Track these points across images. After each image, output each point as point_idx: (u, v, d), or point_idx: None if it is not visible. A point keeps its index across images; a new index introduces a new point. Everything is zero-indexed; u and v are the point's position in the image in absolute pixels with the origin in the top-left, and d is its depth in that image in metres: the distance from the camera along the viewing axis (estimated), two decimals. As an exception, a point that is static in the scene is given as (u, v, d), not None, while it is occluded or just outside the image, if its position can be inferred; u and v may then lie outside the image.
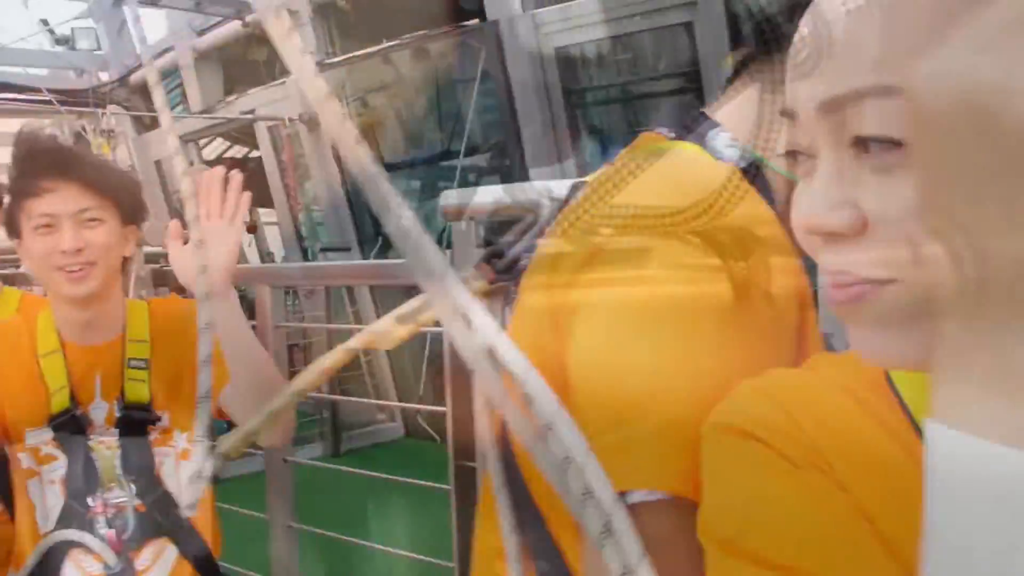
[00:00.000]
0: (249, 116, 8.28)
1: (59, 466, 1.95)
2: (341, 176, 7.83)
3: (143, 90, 10.75)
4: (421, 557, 2.66)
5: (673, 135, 1.18)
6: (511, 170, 6.82)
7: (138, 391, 1.99)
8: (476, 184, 7.96)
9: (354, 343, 1.17)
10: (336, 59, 7.73)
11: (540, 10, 6.31)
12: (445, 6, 8.20)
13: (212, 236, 1.65)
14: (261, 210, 9.22)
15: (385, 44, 7.14)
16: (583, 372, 0.92)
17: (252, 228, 9.02)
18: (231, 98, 8.86)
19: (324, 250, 7.64)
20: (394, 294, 7.93)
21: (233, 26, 8.90)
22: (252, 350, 1.81)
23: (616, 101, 6.77)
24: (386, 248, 8.08)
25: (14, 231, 1.98)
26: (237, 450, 1.05)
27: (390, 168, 8.16)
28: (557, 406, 0.70)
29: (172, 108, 10.37)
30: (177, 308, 2.15)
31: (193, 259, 1.61)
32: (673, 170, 1.03)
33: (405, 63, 7.59)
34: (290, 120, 7.77)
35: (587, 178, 1.22)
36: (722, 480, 0.75)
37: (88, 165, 1.96)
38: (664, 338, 0.90)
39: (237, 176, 1.83)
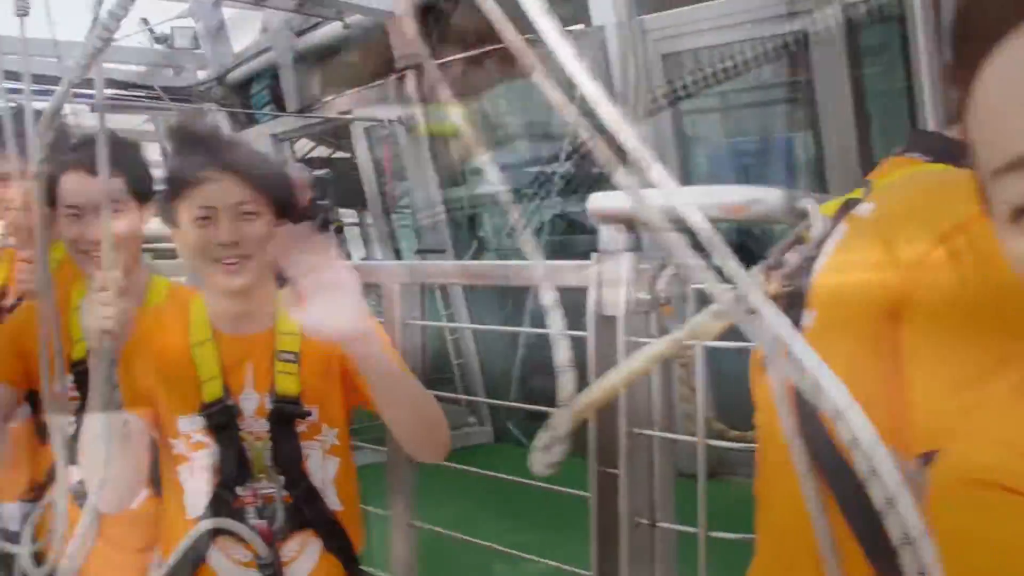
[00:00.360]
0: (348, 116, 8.34)
1: (210, 454, 1.97)
2: (438, 178, 7.84)
3: (239, 88, 10.92)
4: (557, 564, 2.63)
5: (929, 158, 1.16)
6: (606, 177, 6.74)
7: (288, 384, 2.00)
8: (570, 191, 7.91)
9: (679, 335, 1.16)
10: (436, 62, 7.74)
11: (647, 16, 6.24)
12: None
13: (327, 288, 1.63)
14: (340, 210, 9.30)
15: (483, 48, 7.11)
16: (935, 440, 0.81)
17: (340, 229, 9.08)
18: (328, 98, 8.93)
19: (420, 252, 7.65)
20: (488, 297, 7.96)
21: (332, 27, 8.98)
22: (408, 389, 1.87)
23: (722, 110, 6.68)
24: (480, 251, 8.08)
25: (171, 220, 1.99)
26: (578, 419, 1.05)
27: (474, 173, 8.15)
28: (884, 449, 0.66)
29: (260, 108, 10.62)
30: None
31: (314, 315, 1.61)
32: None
33: (504, 66, 7.57)
34: (389, 122, 7.79)
35: (854, 195, 1.19)
36: (972, 536, 0.69)
37: (246, 157, 1.98)
38: None
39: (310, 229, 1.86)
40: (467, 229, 8.06)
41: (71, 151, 2.32)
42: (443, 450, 2.01)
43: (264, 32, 10.99)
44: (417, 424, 1.94)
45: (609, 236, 2.50)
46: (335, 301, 1.62)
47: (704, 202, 2.21)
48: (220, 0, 10.18)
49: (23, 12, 2.25)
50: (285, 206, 2.03)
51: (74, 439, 2.28)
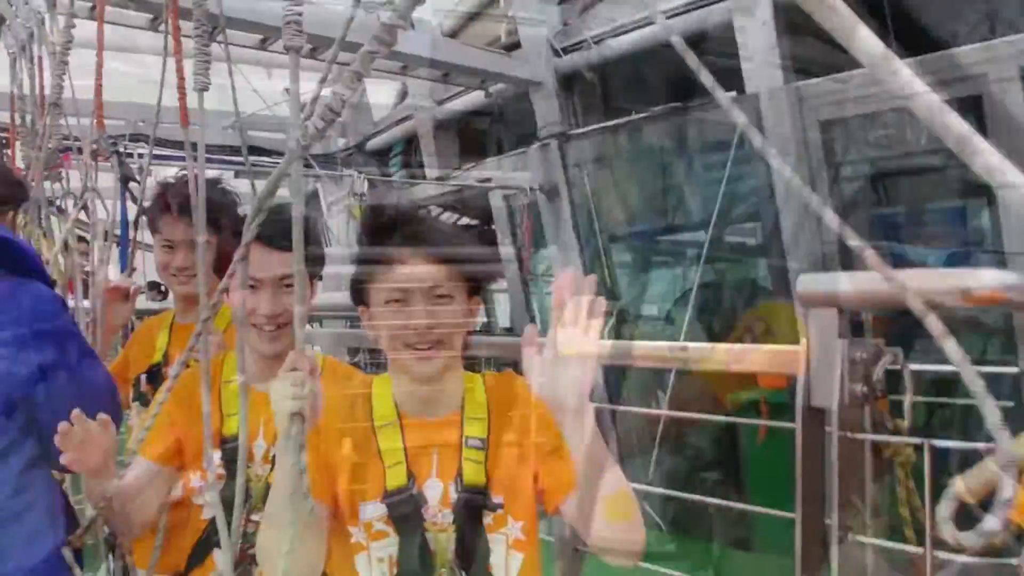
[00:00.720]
0: (487, 184, 8.34)
1: (390, 544, 1.84)
2: (579, 247, 7.73)
3: (378, 156, 11.10)
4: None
5: None
6: (766, 249, 6.53)
7: (475, 472, 1.86)
8: (722, 259, 7.70)
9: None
10: (579, 130, 7.68)
11: (804, 82, 6.04)
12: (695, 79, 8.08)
13: (571, 346, 1.52)
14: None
15: (634, 116, 7.01)
16: None
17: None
18: (468, 166, 8.96)
19: (560, 321, 7.50)
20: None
21: (472, 96, 9.05)
22: (605, 467, 1.71)
23: (884, 177, 6.40)
24: (621, 321, 7.91)
25: (361, 300, 1.90)
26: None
27: (613, 240, 8.03)
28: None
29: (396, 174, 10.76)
30: (514, 385, 2.03)
31: (551, 370, 1.48)
32: None
33: (649, 135, 7.47)
34: (531, 189, 7.74)
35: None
36: None
37: (442, 237, 1.87)
38: None
39: (591, 280, 1.69)
40: (608, 298, 7.89)
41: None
42: (638, 552, 1.83)
43: (402, 100, 11.19)
44: (613, 520, 1.80)
45: (820, 321, 2.31)
46: (576, 365, 1.52)
47: (945, 286, 2.01)
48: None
49: (203, 87, 2.23)
50: (481, 282, 1.93)
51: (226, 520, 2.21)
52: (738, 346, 2.65)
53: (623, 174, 7.84)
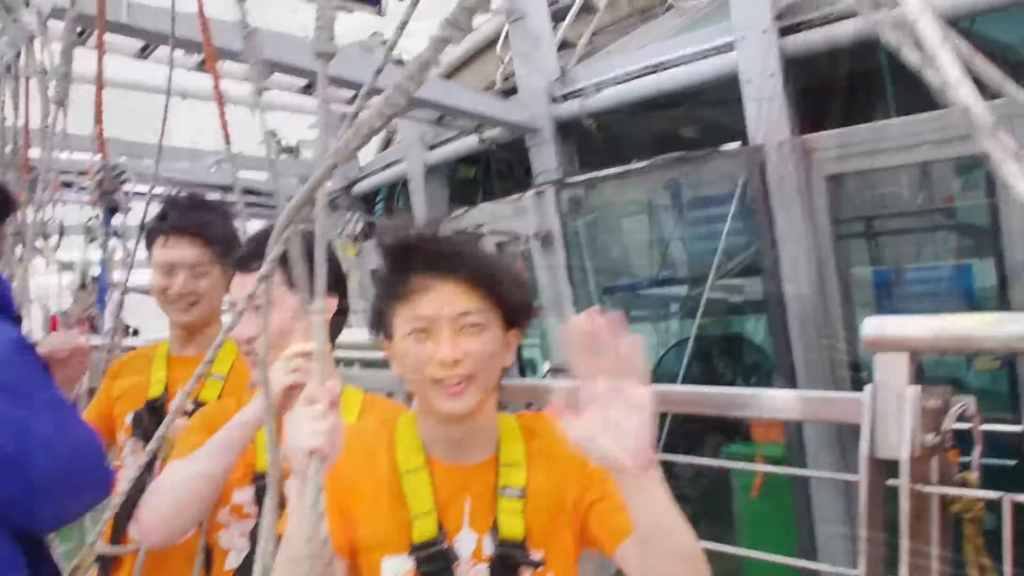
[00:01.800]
0: (481, 232, 8.23)
1: None
2: (573, 295, 7.61)
3: (364, 199, 11.00)
4: None
5: None
6: (766, 304, 6.44)
7: (513, 524, 1.68)
8: (720, 312, 7.62)
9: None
10: (576, 178, 7.60)
11: (811, 135, 5.99)
12: (698, 130, 8.05)
13: (616, 399, 1.34)
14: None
15: (634, 165, 6.94)
16: None
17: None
18: (460, 212, 8.85)
19: (553, 371, 7.37)
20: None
21: (465, 142, 8.96)
22: (673, 521, 1.50)
23: (892, 233, 6.34)
24: (615, 372, 7.77)
25: (383, 331, 1.74)
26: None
27: (607, 291, 7.92)
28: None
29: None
30: (554, 428, 1.87)
31: (596, 431, 1.33)
32: None
33: (648, 185, 7.40)
34: (527, 238, 7.63)
35: None
36: None
37: (472, 261, 1.68)
38: None
39: (618, 317, 1.53)
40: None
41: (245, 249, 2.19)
42: None
43: (386, 145, 11.10)
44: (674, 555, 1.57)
45: (888, 366, 2.18)
46: (631, 420, 1.33)
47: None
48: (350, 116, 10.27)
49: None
50: (517, 313, 1.77)
51: (246, 567, 2.03)
52: (796, 392, 2.53)
53: (620, 223, 7.77)
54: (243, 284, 2.06)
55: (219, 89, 3.10)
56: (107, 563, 2.54)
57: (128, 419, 2.63)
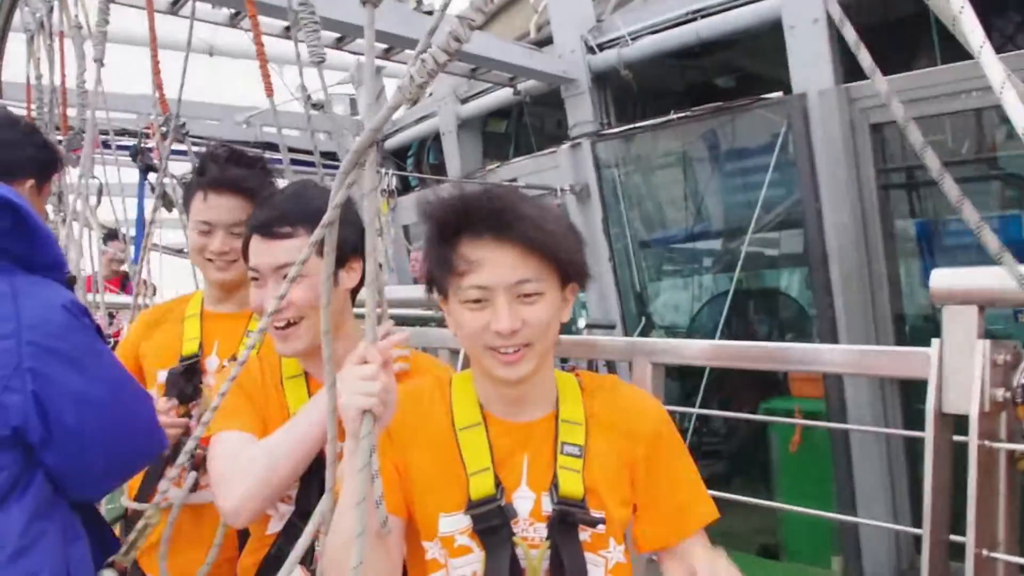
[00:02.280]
0: (516, 184, 8.13)
1: (473, 561, 1.62)
2: (609, 250, 7.53)
3: (396, 154, 10.92)
4: None
5: None
6: (807, 258, 6.33)
7: (572, 483, 1.63)
8: (759, 265, 7.53)
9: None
10: (613, 130, 7.49)
11: (856, 83, 5.84)
12: (738, 79, 7.90)
13: None
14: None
15: (672, 115, 6.82)
16: None
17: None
18: (493, 166, 8.76)
19: (589, 327, 7.31)
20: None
21: (498, 95, 8.85)
22: None
23: (933, 183, 6.19)
24: (649, 328, 7.72)
25: (441, 290, 1.65)
26: None
27: (644, 245, 7.84)
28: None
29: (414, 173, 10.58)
30: (617, 390, 1.78)
31: None
32: None
33: (685, 137, 7.28)
34: (561, 191, 7.54)
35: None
36: None
37: (527, 225, 1.56)
38: None
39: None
40: (636, 304, 7.70)
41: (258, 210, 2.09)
42: None
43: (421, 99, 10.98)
44: None
45: (957, 320, 2.10)
46: None
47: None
48: (382, 68, 10.16)
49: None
50: (572, 273, 1.69)
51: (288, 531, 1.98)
52: (859, 347, 2.46)
53: (657, 176, 7.66)
54: (267, 250, 1.97)
55: (261, 42, 3.03)
56: (131, 521, 2.49)
57: (161, 376, 2.56)
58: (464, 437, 1.68)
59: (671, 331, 8.07)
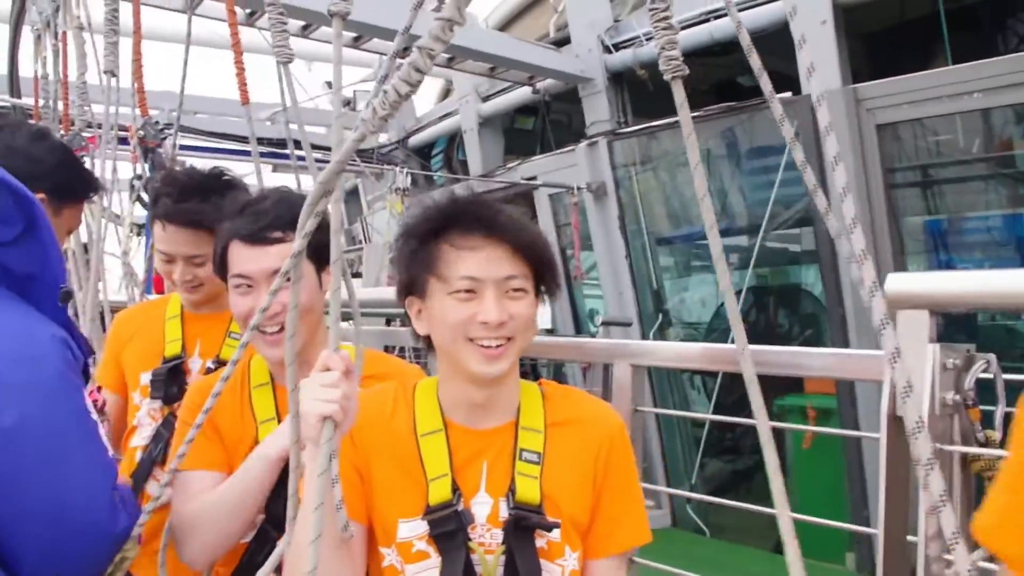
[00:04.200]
0: (533, 183, 8.24)
1: (430, 567, 1.66)
2: (626, 248, 7.62)
3: (420, 152, 11.04)
4: None
5: None
6: (816, 254, 6.39)
7: (530, 489, 1.68)
8: (772, 263, 7.58)
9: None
10: (629, 129, 7.58)
11: (863, 84, 5.90)
12: (752, 79, 7.94)
13: None
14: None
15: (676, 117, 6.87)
16: None
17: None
18: (514, 163, 8.87)
19: (605, 324, 7.40)
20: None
21: (519, 93, 8.97)
22: None
23: (943, 183, 6.24)
24: (665, 325, 7.80)
25: (414, 292, 1.71)
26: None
27: (660, 242, 7.91)
28: None
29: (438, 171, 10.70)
30: (578, 401, 1.85)
31: None
32: None
33: (701, 136, 7.34)
34: (578, 188, 7.64)
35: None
36: None
37: (517, 228, 1.66)
38: None
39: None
40: (653, 301, 7.79)
41: (237, 216, 2.05)
42: None
43: (445, 96, 11.12)
44: None
45: (909, 324, 2.19)
46: None
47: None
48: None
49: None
50: (547, 286, 1.75)
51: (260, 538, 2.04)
52: (815, 350, 2.56)
53: (672, 175, 7.73)
54: (258, 256, 1.99)
55: (236, 32, 3.10)
56: None
57: (144, 379, 2.53)
58: (425, 443, 1.71)
59: (688, 327, 8.14)
